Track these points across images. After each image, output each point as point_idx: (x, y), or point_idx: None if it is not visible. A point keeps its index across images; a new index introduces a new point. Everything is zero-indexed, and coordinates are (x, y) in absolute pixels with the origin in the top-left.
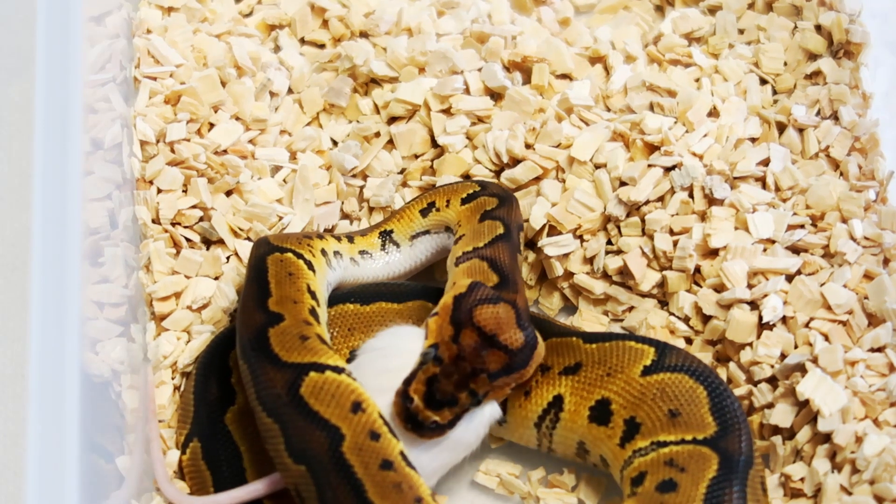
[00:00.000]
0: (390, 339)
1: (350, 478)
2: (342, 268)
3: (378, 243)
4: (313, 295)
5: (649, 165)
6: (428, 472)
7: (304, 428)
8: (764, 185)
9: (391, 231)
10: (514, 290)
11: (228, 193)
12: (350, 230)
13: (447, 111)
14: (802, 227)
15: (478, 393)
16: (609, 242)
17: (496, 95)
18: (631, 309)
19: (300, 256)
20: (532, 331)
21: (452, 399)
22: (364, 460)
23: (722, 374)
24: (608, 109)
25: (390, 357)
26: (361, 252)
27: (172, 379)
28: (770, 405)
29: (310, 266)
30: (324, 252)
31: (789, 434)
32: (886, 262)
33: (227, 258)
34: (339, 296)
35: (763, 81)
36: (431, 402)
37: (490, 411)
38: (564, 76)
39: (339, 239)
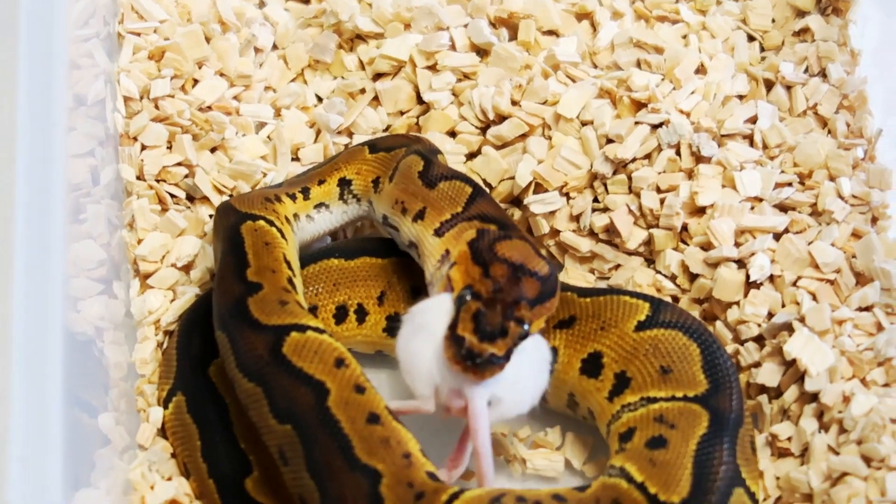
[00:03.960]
0: (426, 316)
1: (337, 433)
2: (300, 229)
3: (336, 193)
4: (289, 265)
5: (636, 123)
6: (535, 395)
7: (288, 386)
8: (751, 143)
9: (350, 181)
10: (517, 229)
11: (213, 150)
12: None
13: (433, 67)
14: (790, 185)
15: (524, 320)
16: (595, 200)
17: (482, 52)
18: (617, 267)
19: (272, 224)
20: (550, 261)
21: (503, 329)
22: (350, 415)
23: None
24: (595, 66)
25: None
26: (318, 206)
27: (156, 335)
28: (757, 364)
29: (282, 234)
30: (287, 219)
31: (776, 393)
32: (874, 220)
33: (211, 216)
34: (323, 251)
35: (751, 38)
36: (484, 335)
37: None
38: (551, 32)
39: (293, 197)
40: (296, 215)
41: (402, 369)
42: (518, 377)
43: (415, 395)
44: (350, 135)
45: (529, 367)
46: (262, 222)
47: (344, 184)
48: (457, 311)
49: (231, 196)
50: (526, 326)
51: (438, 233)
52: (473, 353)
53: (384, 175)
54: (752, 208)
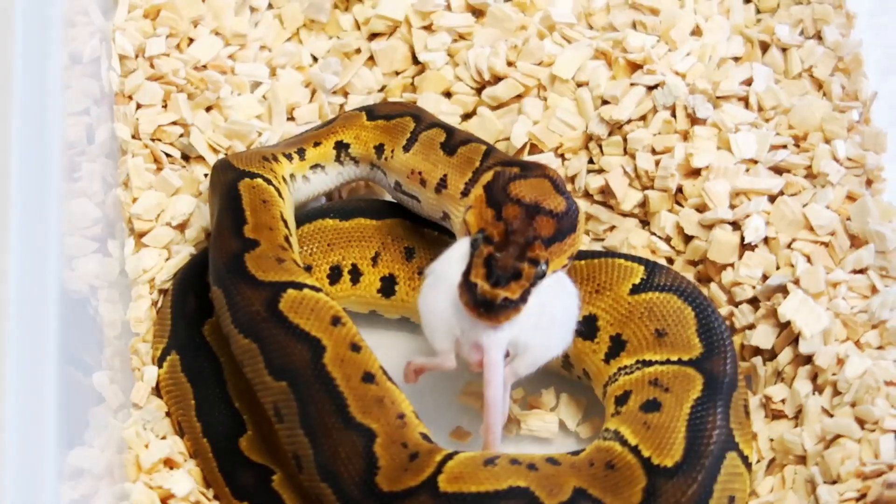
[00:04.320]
0: (445, 266)
1: (332, 391)
2: (296, 189)
3: (332, 155)
4: (286, 224)
5: (632, 84)
6: (566, 335)
7: (284, 342)
8: (747, 105)
9: (348, 145)
10: (539, 168)
11: (208, 109)
12: (295, 134)
13: (428, 28)
14: (785, 147)
15: (539, 260)
16: (590, 161)
17: (478, 12)
18: (612, 228)
19: (269, 182)
20: (571, 196)
21: (516, 271)
22: (346, 372)
23: None
24: (590, 27)
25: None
26: (313, 167)
27: (150, 294)
28: (751, 326)
29: (279, 193)
30: (283, 179)
31: (770, 355)
32: (869, 182)
33: (206, 175)
34: (318, 211)
35: (746, 0)
36: (496, 279)
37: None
38: None
39: (290, 157)
40: (292, 175)
41: (423, 324)
42: (540, 319)
43: (435, 351)
44: (345, 95)
45: (551, 306)
46: (259, 180)
47: (341, 147)
48: (471, 256)
49: (226, 154)
50: (543, 266)
51: (465, 194)
52: (486, 299)
53: (390, 143)
54: (748, 170)
